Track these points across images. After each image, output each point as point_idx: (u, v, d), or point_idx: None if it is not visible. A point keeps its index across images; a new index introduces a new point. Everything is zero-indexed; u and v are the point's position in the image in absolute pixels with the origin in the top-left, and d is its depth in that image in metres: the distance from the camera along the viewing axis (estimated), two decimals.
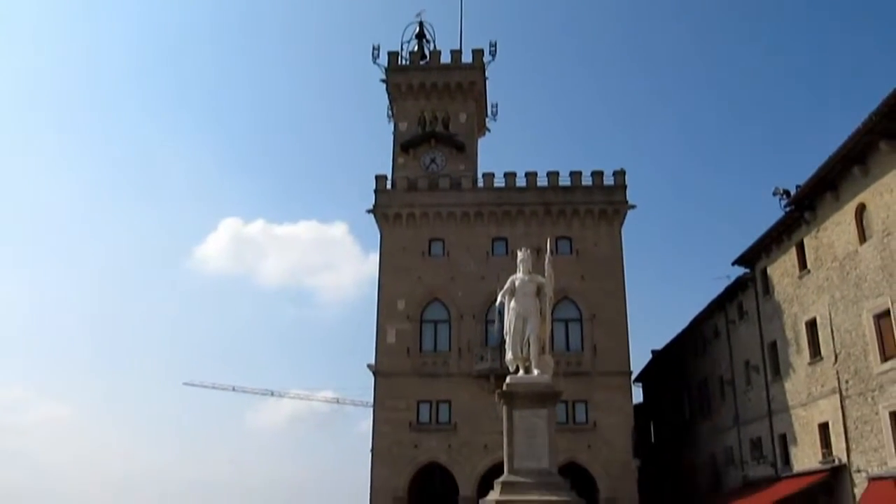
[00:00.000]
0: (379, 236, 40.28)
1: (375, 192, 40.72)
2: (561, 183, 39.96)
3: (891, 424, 23.27)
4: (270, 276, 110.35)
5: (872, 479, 23.70)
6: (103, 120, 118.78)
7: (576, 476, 28.07)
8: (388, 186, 40.96)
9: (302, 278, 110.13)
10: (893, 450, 23.13)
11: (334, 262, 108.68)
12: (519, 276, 15.84)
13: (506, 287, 16.11)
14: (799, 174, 37.67)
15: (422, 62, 45.10)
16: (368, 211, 40.37)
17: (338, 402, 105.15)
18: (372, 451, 36.80)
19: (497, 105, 47.96)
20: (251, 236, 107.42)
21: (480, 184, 40.75)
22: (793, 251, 30.52)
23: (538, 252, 17.92)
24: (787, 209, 29.62)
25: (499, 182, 40.45)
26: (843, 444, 26.14)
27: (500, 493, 14.30)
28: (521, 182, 40.25)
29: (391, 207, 40.00)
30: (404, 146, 42.68)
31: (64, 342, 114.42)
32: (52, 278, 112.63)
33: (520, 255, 16.28)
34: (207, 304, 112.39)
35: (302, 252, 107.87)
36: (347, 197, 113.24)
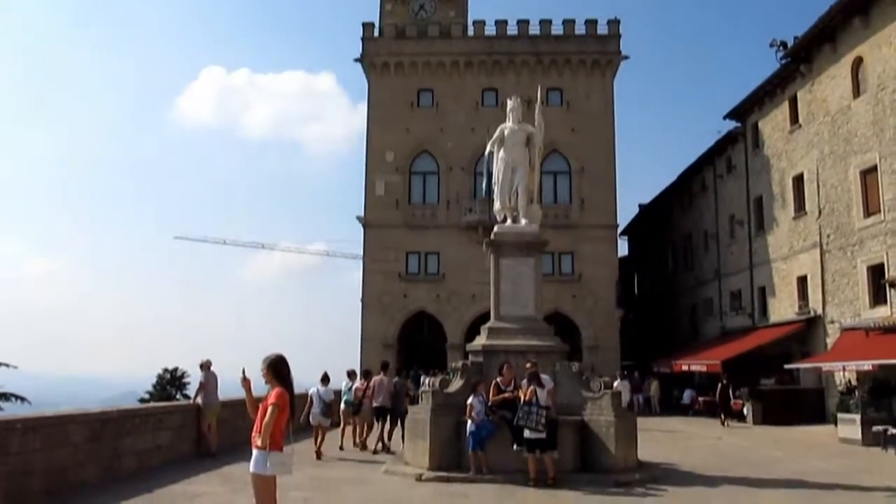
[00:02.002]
0: (367, 86, 39.47)
1: (363, 39, 39.53)
2: (553, 32, 38.88)
3: (867, 278, 23.93)
4: (256, 127, 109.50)
5: (845, 330, 24.58)
6: None
7: (560, 324, 28.82)
8: (376, 34, 39.72)
9: (289, 130, 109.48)
10: (868, 302, 23.90)
11: (322, 113, 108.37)
12: (508, 125, 15.55)
13: (495, 136, 15.83)
14: (798, 27, 36.68)
15: None
16: (356, 60, 39.32)
17: (328, 254, 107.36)
18: (363, 301, 37.67)
19: None
20: (235, 86, 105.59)
21: (471, 32, 39.54)
22: (785, 105, 30.24)
23: (528, 103, 17.56)
24: (783, 61, 29.10)
25: (490, 30, 39.27)
26: (820, 297, 26.94)
27: (487, 337, 14.68)
28: (512, 30, 39.11)
29: (379, 56, 38.95)
30: None
31: (56, 198, 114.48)
32: (40, 135, 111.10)
33: (510, 103, 15.90)
34: (193, 156, 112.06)
35: (288, 103, 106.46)
36: (335, 46, 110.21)
